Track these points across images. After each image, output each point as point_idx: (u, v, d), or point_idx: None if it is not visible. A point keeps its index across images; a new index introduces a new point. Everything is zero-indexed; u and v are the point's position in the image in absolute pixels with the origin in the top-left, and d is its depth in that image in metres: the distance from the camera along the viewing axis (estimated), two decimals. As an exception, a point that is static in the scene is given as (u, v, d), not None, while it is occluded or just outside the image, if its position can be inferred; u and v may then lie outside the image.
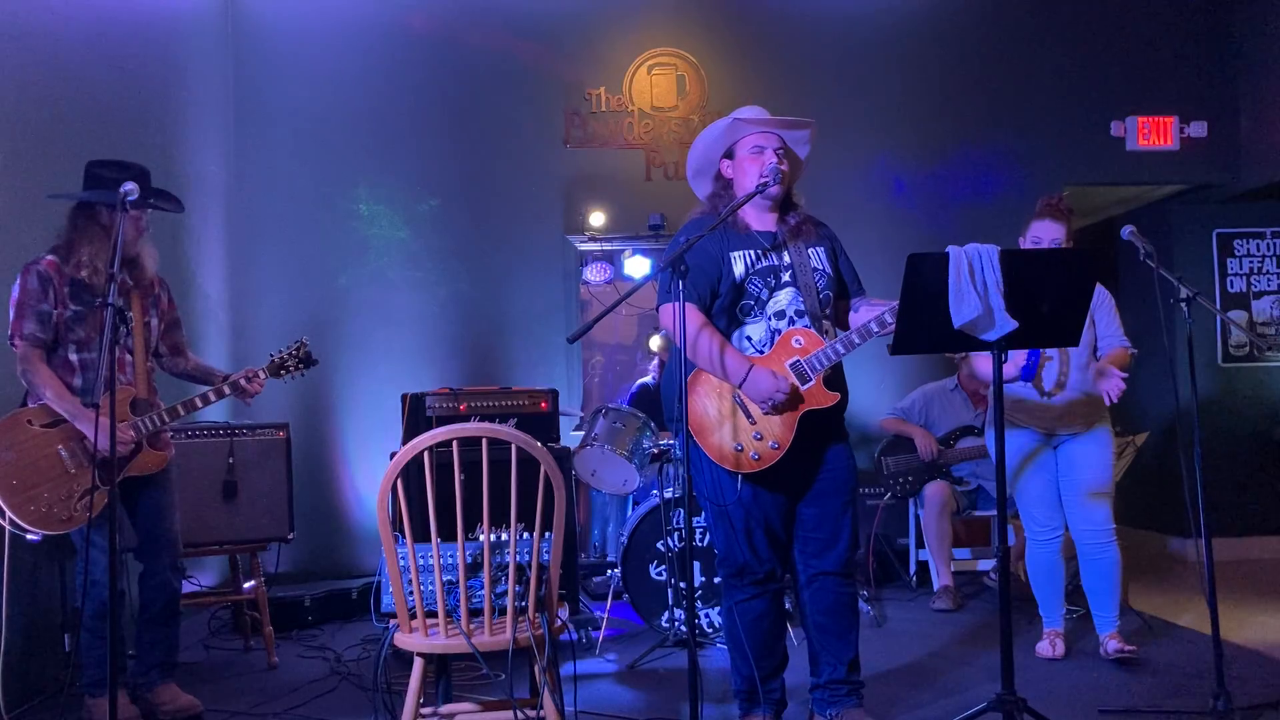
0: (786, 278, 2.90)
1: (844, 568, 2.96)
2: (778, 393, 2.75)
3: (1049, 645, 3.85)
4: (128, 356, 3.28)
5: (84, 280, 3.15)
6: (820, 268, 2.94)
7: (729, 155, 2.99)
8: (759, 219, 2.96)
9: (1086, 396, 3.68)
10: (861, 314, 2.94)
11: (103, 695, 3.14)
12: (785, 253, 2.93)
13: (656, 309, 2.99)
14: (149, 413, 3.26)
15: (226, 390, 3.39)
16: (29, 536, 3.04)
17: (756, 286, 2.89)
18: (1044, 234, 3.66)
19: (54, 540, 3.45)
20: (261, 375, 3.44)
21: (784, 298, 2.89)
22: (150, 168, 3.34)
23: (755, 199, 2.87)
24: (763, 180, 2.83)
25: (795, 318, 2.88)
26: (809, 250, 2.95)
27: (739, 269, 2.89)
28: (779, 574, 2.98)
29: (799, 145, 3.02)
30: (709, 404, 2.87)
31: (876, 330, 2.78)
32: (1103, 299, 3.77)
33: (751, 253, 2.91)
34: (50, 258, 3.15)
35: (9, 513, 2.99)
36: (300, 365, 3.55)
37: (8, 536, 3.08)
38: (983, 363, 3.82)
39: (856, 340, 2.79)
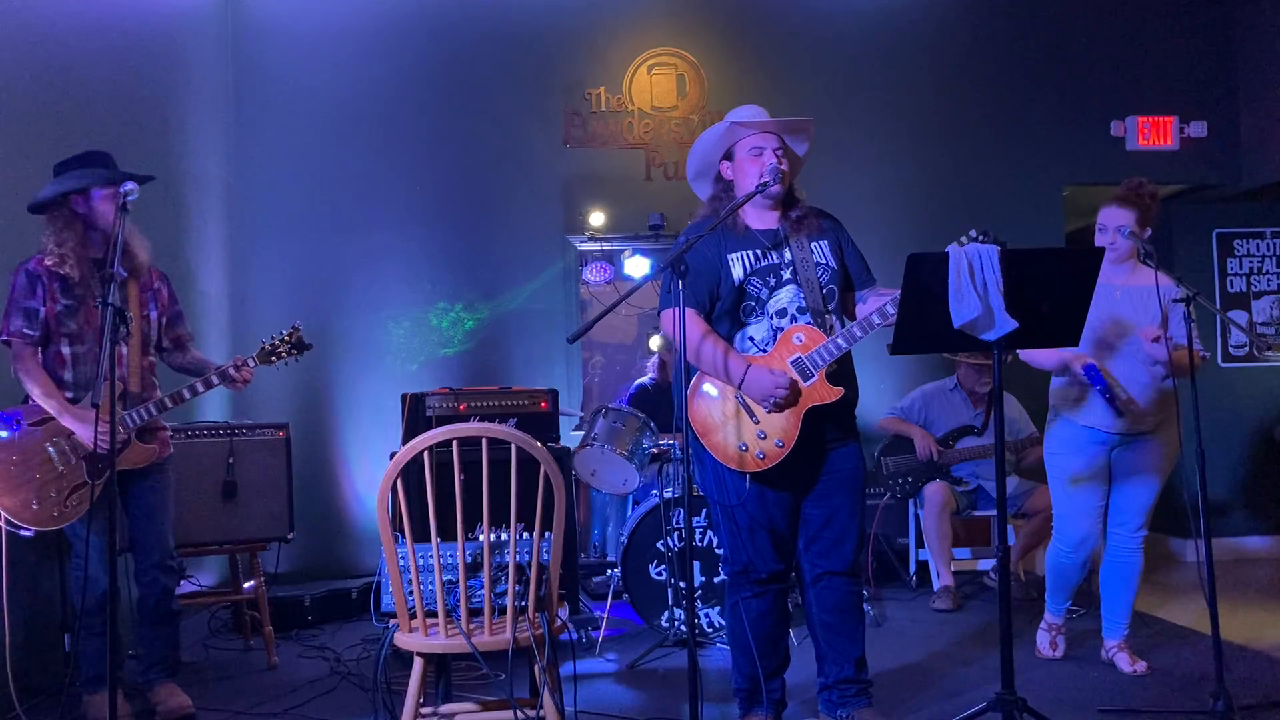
0: (787, 275, 2.89)
1: (851, 567, 2.96)
2: (777, 389, 2.74)
3: (1049, 643, 3.85)
4: (122, 349, 3.25)
5: (66, 274, 3.16)
6: (823, 262, 2.93)
7: (728, 157, 2.98)
8: (760, 218, 2.95)
9: (1158, 394, 3.49)
10: (869, 304, 2.92)
11: (99, 692, 3.15)
12: (786, 250, 2.91)
13: (658, 313, 2.99)
14: (138, 406, 3.23)
15: (215, 380, 3.32)
16: (22, 533, 3.07)
17: (756, 287, 2.88)
18: (1109, 221, 3.47)
19: (52, 540, 3.46)
20: (251, 363, 3.35)
21: (785, 296, 2.88)
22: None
23: (756, 199, 2.87)
24: (762, 181, 2.82)
25: (797, 315, 2.87)
26: (812, 245, 2.93)
27: (737, 271, 2.89)
28: (783, 573, 2.98)
29: (798, 143, 3.01)
30: (712, 405, 2.87)
31: (879, 322, 2.77)
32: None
33: (750, 253, 2.90)
34: (39, 255, 3.20)
35: (1, 510, 3.02)
36: (293, 350, 3.42)
37: (4, 537, 3.08)
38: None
39: (858, 333, 2.79)
